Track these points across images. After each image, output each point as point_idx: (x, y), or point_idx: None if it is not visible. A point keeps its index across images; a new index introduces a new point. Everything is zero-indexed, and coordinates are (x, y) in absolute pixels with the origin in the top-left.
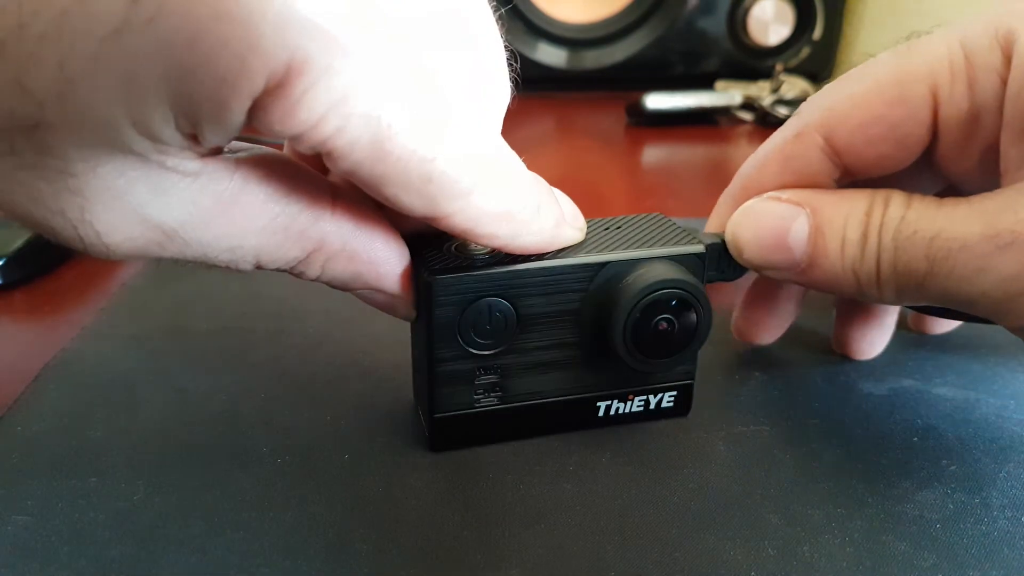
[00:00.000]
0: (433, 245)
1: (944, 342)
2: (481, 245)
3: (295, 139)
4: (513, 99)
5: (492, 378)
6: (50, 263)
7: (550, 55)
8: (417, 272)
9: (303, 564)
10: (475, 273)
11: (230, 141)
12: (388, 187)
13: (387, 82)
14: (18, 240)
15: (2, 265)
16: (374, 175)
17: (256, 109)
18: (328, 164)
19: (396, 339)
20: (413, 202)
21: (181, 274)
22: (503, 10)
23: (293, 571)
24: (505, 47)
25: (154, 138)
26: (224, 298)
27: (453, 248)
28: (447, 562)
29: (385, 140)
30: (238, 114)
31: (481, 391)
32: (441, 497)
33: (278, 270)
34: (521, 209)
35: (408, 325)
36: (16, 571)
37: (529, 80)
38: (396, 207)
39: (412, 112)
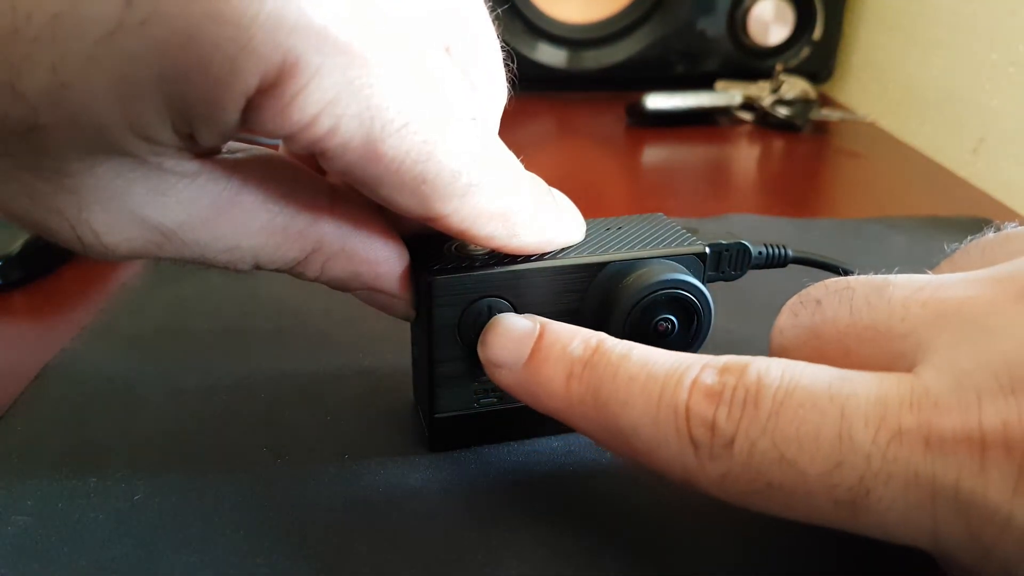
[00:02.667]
0: (433, 245)
1: None
2: (479, 246)
3: (288, 139)
4: (512, 99)
5: None
6: (50, 263)
7: (550, 55)
8: (417, 272)
9: (303, 564)
10: (475, 273)
11: (227, 142)
12: (382, 188)
13: (383, 83)
14: (18, 240)
15: (2, 265)
16: (368, 175)
17: (249, 109)
18: (322, 164)
19: (396, 339)
20: (408, 202)
21: (181, 274)
22: (500, 10)
23: (293, 571)
24: (503, 47)
25: (150, 139)
26: (224, 298)
27: (453, 248)
28: (447, 562)
29: (378, 141)
30: (232, 114)
31: (481, 391)
32: (441, 497)
33: (277, 270)
34: (518, 210)
35: (408, 325)
36: (16, 571)
37: (529, 80)
38: (392, 207)
39: (408, 113)
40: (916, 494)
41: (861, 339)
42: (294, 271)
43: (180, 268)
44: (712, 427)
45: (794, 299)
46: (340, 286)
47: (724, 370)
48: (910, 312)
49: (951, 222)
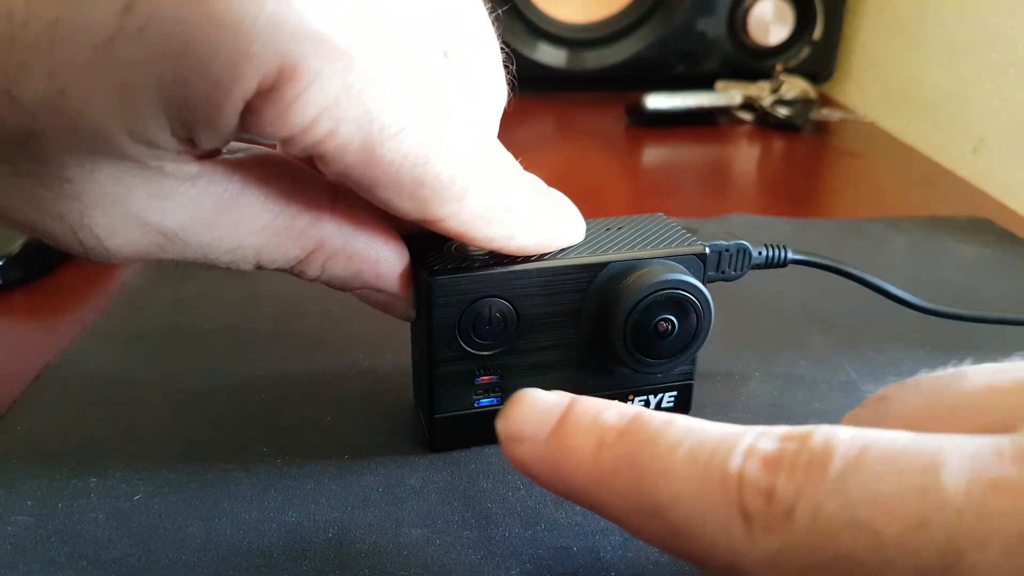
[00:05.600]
0: (433, 245)
1: (946, 343)
2: (478, 248)
3: (286, 142)
4: (512, 100)
5: (492, 378)
6: (50, 263)
7: (550, 55)
8: (417, 272)
9: (303, 564)
10: (475, 274)
11: (227, 144)
12: (380, 190)
13: (382, 86)
14: (18, 240)
15: (2, 265)
16: (365, 179)
17: (248, 112)
18: (320, 167)
19: (396, 339)
20: (406, 206)
21: (181, 274)
22: (501, 11)
23: (293, 571)
24: (502, 48)
25: (150, 144)
26: (224, 298)
27: (453, 248)
28: (447, 562)
29: (376, 145)
30: (231, 118)
31: (481, 391)
32: (441, 497)
33: (278, 270)
34: (517, 212)
35: (408, 325)
36: (16, 571)
37: (529, 80)
38: (390, 210)
39: (406, 117)
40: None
41: (938, 420)
42: (295, 270)
43: (180, 268)
44: (769, 495)
45: (855, 408)
46: (340, 285)
47: (785, 437)
48: (996, 387)
49: (951, 222)
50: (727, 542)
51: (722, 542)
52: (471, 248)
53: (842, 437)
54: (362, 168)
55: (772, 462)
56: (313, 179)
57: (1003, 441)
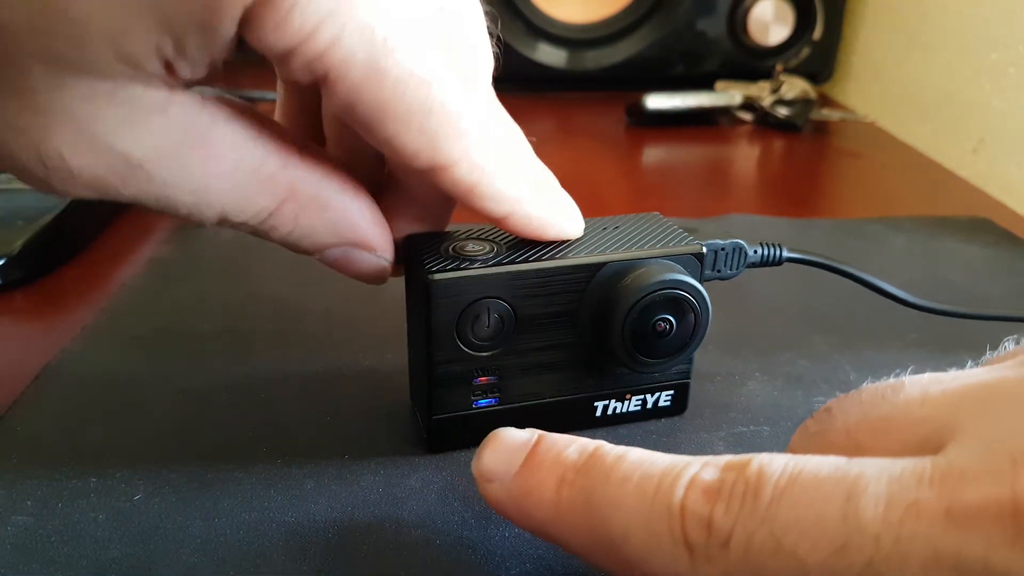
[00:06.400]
0: (431, 246)
1: (946, 342)
2: (487, 210)
3: (290, 56)
4: (512, 99)
5: (490, 379)
6: (50, 263)
7: (550, 55)
8: (416, 273)
9: (303, 564)
10: (474, 274)
11: (213, 67)
12: (388, 122)
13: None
14: (18, 240)
15: (2, 265)
16: (373, 104)
17: (248, 20)
18: (325, 93)
19: (396, 339)
20: (416, 142)
21: (181, 274)
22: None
23: (293, 571)
24: (487, 13)
25: (130, 61)
26: (224, 298)
27: (452, 249)
28: (447, 562)
29: (381, 56)
30: (229, 26)
31: (479, 392)
32: (441, 497)
33: (248, 228)
34: (526, 179)
35: (407, 325)
36: (16, 571)
37: (529, 80)
38: (400, 154)
39: (408, 30)
40: None
41: (875, 432)
42: (265, 225)
43: (180, 268)
44: (708, 525)
45: (806, 420)
46: (311, 245)
47: (726, 467)
48: (929, 398)
49: (951, 222)
50: (674, 573)
51: (670, 573)
52: (470, 248)
53: (775, 466)
54: (369, 88)
55: (712, 493)
56: (283, 129)
57: (924, 464)
